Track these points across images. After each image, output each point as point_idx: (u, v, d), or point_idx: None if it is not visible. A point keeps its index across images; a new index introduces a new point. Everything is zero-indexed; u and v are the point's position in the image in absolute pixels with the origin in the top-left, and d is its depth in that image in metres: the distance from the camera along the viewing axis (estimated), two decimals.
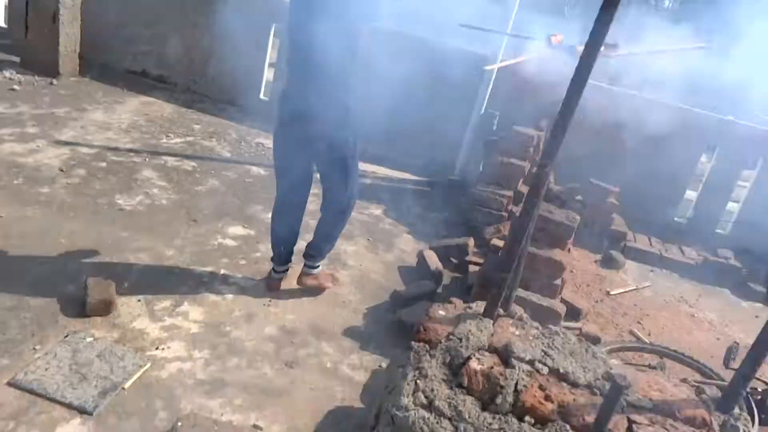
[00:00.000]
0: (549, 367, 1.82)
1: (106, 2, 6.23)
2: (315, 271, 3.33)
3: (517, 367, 1.79)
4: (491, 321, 2.00)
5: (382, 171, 5.44)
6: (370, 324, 3.19)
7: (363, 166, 5.39)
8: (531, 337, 1.95)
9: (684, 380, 2.59)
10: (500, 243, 3.91)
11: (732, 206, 5.57)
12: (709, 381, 3.10)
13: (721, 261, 4.60)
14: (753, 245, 5.27)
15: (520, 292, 2.97)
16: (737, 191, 5.56)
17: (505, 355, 1.85)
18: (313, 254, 3.31)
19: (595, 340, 3.28)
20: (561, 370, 1.81)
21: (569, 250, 4.34)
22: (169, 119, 5.48)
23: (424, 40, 5.54)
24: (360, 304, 3.36)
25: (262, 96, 6.26)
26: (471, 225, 4.33)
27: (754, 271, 4.57)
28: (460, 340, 1.87)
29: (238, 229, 3.86)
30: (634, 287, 4.22)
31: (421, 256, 3.85)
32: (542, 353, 1.86)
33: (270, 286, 3.30)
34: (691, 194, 5.65)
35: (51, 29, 5.57)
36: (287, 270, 3.36)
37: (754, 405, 2.87)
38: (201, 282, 3.23)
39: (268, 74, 6.24)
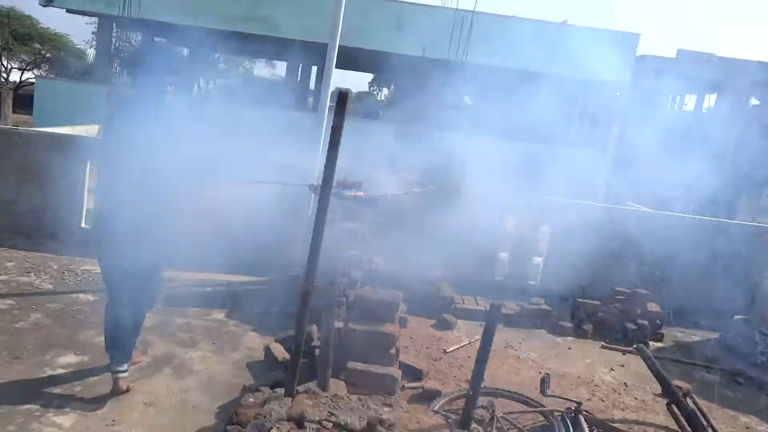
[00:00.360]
0: (333, 422, 2.37)
1: None
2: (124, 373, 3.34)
3: (308, 427, 2.30)
4: (290, 398, 2.53)
5: (222, 277, 5.50)
6: (222, 422, 3.18)
7: (201, 276, 5.44)
8: (321, 404, 2.51)
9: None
10: (340, 324, 4.14)
11: (538, 260, 6.43)
12: (532, 409, 3.53)
13: (535, 307, 5.26)
14: (557, 290, 6.10)
15: (358, 365, 3.22)
16: (539, 247, 6.46)
17: (299, 421, 2.35)
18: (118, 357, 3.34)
19: (436, 394, 3.58)
20: (342, 423, 2.38)
21: (399, 321, 4.71)
22: None
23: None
24: (211, 404, 3.35)
25: (83, 224, 6.10)
26: (312, 314, 4.52)
27: (561, 311, 5.28)
28: (265, 416, 2.20)
29: (69, 358, 3.68)
30: (467, 342, 4.66)
31: (267, 350, 3.95)
32: (328, 413, 2.40)
33: (117, 389, 3.28)
34: (504, 255, 6.43)
35: None
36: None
37: (569, 423, 3.32)
38: (32, 417, 3.02)
39: (87, 203, 6.12)
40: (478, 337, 4.77)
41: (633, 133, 13.27)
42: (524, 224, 6.22)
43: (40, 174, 5.95)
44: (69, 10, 19.46)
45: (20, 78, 33.28)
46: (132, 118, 3.14)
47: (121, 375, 3.32)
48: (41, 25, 31.29)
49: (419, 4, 17.81)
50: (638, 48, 18.95)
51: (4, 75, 31.44)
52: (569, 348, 4.86)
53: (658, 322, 5.31)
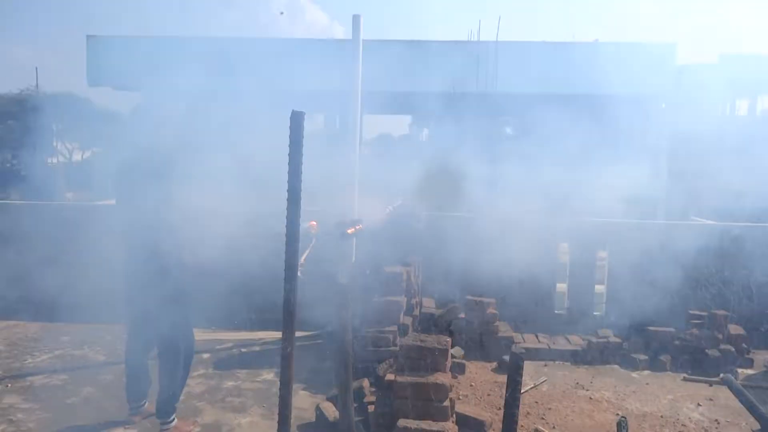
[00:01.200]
0: None
1: None
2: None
3: None
4: None
5: (270, 335, 5.37)
6: None
7: (249, 335, 5.33)
8: None
9: None
10: (392, 377, 3.91)
11: (600, 288, 6.03)
12: None
13: (603, 340, 4.87)
14: (625, 319, 5.68)
15: (410, 423, 2.95)
16: (600, 274, 6.07)
17: None
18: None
19: None
20: None
21: (456, 368, 4.43)
22: (34, 338, 5.17)
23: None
24: None
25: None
26: (364, 366, 4.31)
27: (633, 342, 4.87)
28: None
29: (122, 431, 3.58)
30: (532, 385, 4.32)
31: (318, 410, 3.74)
32: None
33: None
34: (562, 286, 6.07)
35: None
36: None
37: None
38: None
39: None
40: (545, 378, 4.44)
41: (686, 144, 12.68)
42: (580, 251, 5.87)
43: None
44: (116, 88, 20.51)
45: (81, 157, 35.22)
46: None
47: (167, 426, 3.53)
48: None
49: (443, 41, 17.88)
50: (677, 57, 18.37)
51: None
52: (647, 383, 4.44)
53: (744, 345, 4.82)
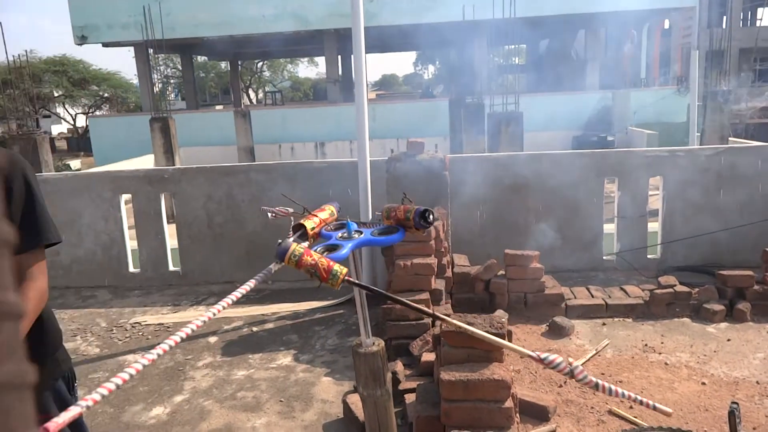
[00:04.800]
0: None
1: None
2: None
3: None
4: None
5: (285, 308, 4.77)
6: None
7: (261, 309, 4.73)
8: None
9: None
10: (431, 356, 3.28)
11: (653, 226, 5.32)
12: None
13: (668, 291, 4.18)
14: (689, 259, 4.99)
15: None
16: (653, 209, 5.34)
17: None
18: None
19: None
20: None
21: (510, 333, 3.78)
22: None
23: None
24: None
25: (131, 269, 5.54)
26: (394, 345, 3.68)
27: (704, 290, 4.18)
28: None
29: None
30: (594, 351, 3.68)
31: (345, 405, 3.14)
32: None
33: None
34: (610, 227, 5.36)
35: None
36: None
37: None
38: None
39: (131, 243, 5.56)
40: (606, 341, 3.78)
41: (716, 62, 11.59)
42: (630, 186, 5.12)
43: (75, 220, 5.45)
44: (105, 44, 19.52)
45: (85, 122, 34.51)
46: None
47: None
48: (94, 67, 32.21)
49: None
50: None
51: (40, 120, 32.47)
52: (728, 340, 3.77)
53: None
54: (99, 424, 3.21)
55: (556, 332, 3.97)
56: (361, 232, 2.28)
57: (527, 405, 2.96)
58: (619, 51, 24.42)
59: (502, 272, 4.33)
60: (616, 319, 4.17)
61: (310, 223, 2.63)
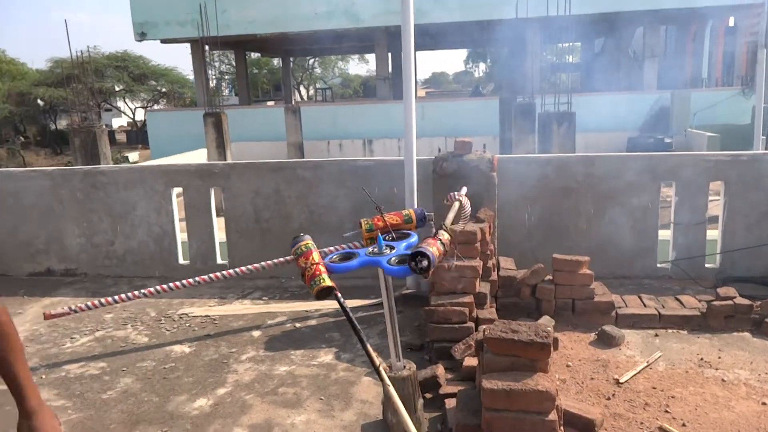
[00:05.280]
0: None
1: None
2: None
3: None
4: None
5: (329, 305, 4.78)
6: None
7: (304, 306, 4.76)
8: None
9: None
10: (473, 361, 3.22)
11: (712, 233, 5.08)
12: None
13: (727, 303, 3.97)
14: (751, 270, 4.74)
15: None
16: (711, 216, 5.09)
17: None
18: None
19: None
20: None
21: (556, 341, 3.68)
22: (77, 317, 4.76)
23: None
24: None
25: (181, 260, 5.67)
26: (436, 348, 3.63)
27: (766, 303, 3.95)
28: None
29: None
30: (645, 363, 3.53)
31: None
32: None
33: None
34: (665, 234, 5.15)
35: None
36: None
37: None
38: None
39: (182, 236, 5.69)
40: (659, 353, 3.63)
41: None
42: (688, 191, 4.90)
43: (129, 211, 5.62)
44: (163, 41, 20.13)
45: (144, 116, 35.81)
46: None
47: None
48: (153, 63, 33.33)
49: None
50: None
51: (104, 113, 33.66)
52: None
53: None
54: (144, 413, 3.29)
55: (605, 341, 3.83)
56: (393, 247, 2.30)
57: (572, 417, 2.86)
58: (679, 49, 23.52)
59: (549, 277, 4.21)
60: (669, 331, 3.99)
61: (366, 224, 2.63)
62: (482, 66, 55.13)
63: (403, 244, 2.26)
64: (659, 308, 4.11)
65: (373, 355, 2.37)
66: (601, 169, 4.96)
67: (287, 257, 2.73)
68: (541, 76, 17.09)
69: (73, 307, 3.60)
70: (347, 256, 2.35)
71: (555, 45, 20.19)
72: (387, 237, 2.53)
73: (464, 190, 4.01)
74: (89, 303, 3.64)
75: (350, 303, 4.72)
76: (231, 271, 3.85)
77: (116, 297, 3.75)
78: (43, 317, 3.55)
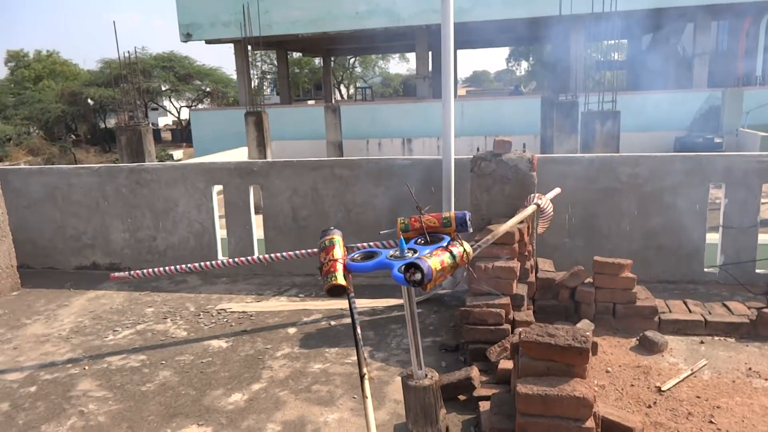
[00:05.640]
0: None
1: (38, 209, 5.96)
2: None
3: None
4: None
5: (363, 303, 4.78)
6: None
7: (339, 304, 4.77)
8: None
9: None
10: (509, 364, 3.16)
11: (764, 237, 4.86)
12: None
13: None
14: None
15: None
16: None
17: None
18: None
19: None
20: None
21: (595, 346, 3.58)
22: (119, 310, 4.90)
23: None
24: None
25: (220, 257, 5.76)
26: (471, 349, 3.58)
27: None
28: None
29: (191, 430, 3.12)
30: (689, 371, 3.40)
31: None
32: None
33: None
34: (713, 237, 4.96)
35: None
36: None
37: None
38: None
39: (221, 233, 5.79)
40: (704, 361, 3.49)
41: None
42: (739, 193, 4.70)
43: (171, 208, 5.74)
44: (207, 41, 20.55)
45: (188, 114, 36.61)
46: None
47: None
48: (197, 63, 34.11)
49: None
50: None
51: (147, 112, 34.63)
52: None
53: None
54: (181, 405, 3.35)
55: (647, 347, 3.71)
56: (416, 251, 2.22)
57: (611, 425, 2.77)
58: (732, 46, 22.66)
59: (589, 280, 4.10)
60: (716, 338, 3.84)
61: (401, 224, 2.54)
62: (524, 64, 54.37)
63: (426, 250, 2.19)
64: (705, 314, 3.96)
65: (363, 362, 2.33)
66: (647, 169, 4.81)
67: (311, 250, 2.69)
68: (586, 73, 16.72)
69: (132, 273, 3.71)
70: (369, 255, 2.29)
71: (600, 42, 19.73)
72: (419, 240, 2.46)
73: (555, 192, 3.89)
74: (145, 271, 3.70)
75: (385, 302, 4.72)
76: (263, 256, 3.87)
77: (167, 268, 3.77)
78: (109, 278, 3.83)
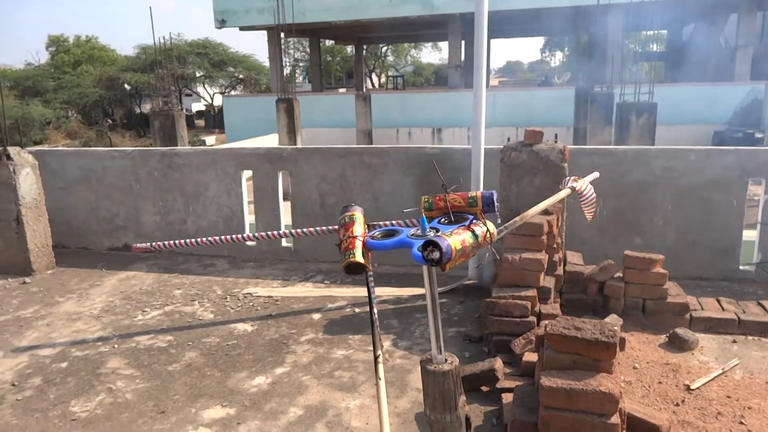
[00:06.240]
0: None
1: (73, 191, 6.10)
2: None
3: None
4: None
5: (388, 292, 4.78)
6: None
7: (364, 291, 4.76)
8: None
9: None
10: (533, 357, 3.12)
11: None
12: None
13: None
14: None
15: None
16: None
17: None
18: None
19: None
20: None
21: (623, 342, 3.51)
22: (148, 291, 4.99)
23: None
24: None
25: (248, 242, 5.82)
26: (496, 340, 3.55)
27: None
28: None
29: (215, 411, 3.17)
30: (720, 370, 3.31)
31: None
32: None
33: None
34: (750, 234, 4.81)
35: (17, 231, 5.31)
36: None
37: None
38: None
39: (249, 218, 5.84)
40: (736, 361, 3.39)
41: None
42: None
43: (202, 192, 5.82)
44: (241, 28, 20.70)
45: (221, 101, 36.94)
46: None
47: None
48: (231, 50, 34.41)
49: None
50: None
51: (177, 98, 35.02)
52: None
53: None
54: (206, 386, 3.41)
55: (677, 345, 3.62)
56: (437, 230, 2.11)
57: (636, 422, 2.71)
58: None
59: (619, 274, 4.02)
60: (749, 338, 3.73)
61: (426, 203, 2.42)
62: (559, 55, 53.45)
63: (449, 230, 2.09)
64: (739, 313, 3.84)
65: (378, 343, 2.27)
66: (683, 164, 4.68)
67: (332, 226, 2.58)
68: (622, 65, 16.35)
69: (153, 245, 3.61)
70: (390, 233, 2.20)
71: (639, 33, 19.22)
72: (443, 219, 2.39)
73: (593, 175, 3.68)
74: (166, 243, 3.57)
75: (410, 291, 4.71)
76: (283, 231, 3.83)
77: (188, 241, 3.54)
78: (132, 249, 3.78)
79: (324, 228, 3.63)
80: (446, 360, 1.95)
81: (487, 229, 2.05)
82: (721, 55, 20.98)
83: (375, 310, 2.45)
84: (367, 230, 2.34)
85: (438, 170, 2.79)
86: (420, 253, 1.87)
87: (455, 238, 1.89)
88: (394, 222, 2.77)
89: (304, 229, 3.61)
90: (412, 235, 2.16)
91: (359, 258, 2.16)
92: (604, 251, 4.67)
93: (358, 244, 2.20)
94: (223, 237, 3.63)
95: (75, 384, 3.49)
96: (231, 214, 5.78)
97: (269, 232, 3.63)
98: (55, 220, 5.80)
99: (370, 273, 2.42)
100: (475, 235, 2.00)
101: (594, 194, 3.61)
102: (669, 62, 24.92)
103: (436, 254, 1.79)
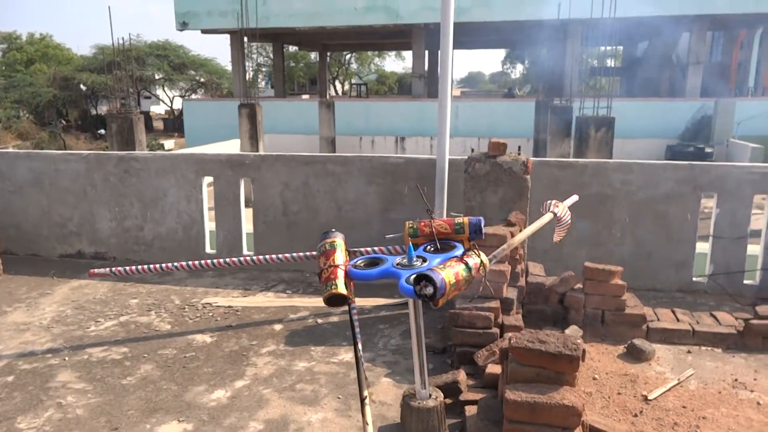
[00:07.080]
0: None
1: (24, 194, 5.86)
2: None
3: None
4: None
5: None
6: None
7: None
8: None
9: None
10: (496, 369, 3.13)
11: (753, 248, 4.87)
12: None
13: (767, 322, 3.79)
14: None
15: None
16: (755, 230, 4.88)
17: None
18: None
19: None
20: None
21: (584, 353, 3.55)
22: (102, 300, 4.82)
23: None
24: None
25: (208, 249, 5.69)
26: (459, 352, 3.55)
27: None
28: None
29: (172, 427, 3.06)
30: (676, 381, 3.39)
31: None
32: None
33: None
34: (703, 246, 4.96)
35: None
36: None
37: None
38: None
39: (210, 225, 5.72)
40: (691, 371, 3.48)
41: None
42: (730, 203, 4.70)
43: (160, 198, 5.66)
44: (203, 31, 20.38)
45: (181, 104, 36.17)
46: None
47: None
48: (192, 53, 33.82)
49: None
50: None
51: (134, 101, 34.28)
52: None
53: None
54: (162, 400, 3.29)
55: (635, 356, 3.69)
56: (425, 260, 2.01)
57: None
58: (725, 56, 22.80)
59: (579, 286, 4.08)
60: (703, 348, 3.83)
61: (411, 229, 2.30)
62: (519, 67, 54.50)
63: (437, 259, 1.98)
64: (693, 324, 3.95)
65: (364, 383, 2.17)
66: (640, 177, 4.80)
67: (310, 252, 2.45)
68: (581, 79, 16.77)
69: (114, 270, 3.43)
70: (374, 262, 2.09)
71: (596, 48, 19.77)
72: (429, 247, 2.26)
73: (572, 199, 3.69)
74: (128, 269, 3.43)
75: (373, 301, 4.68)
76: (256, 258, 3.75)
77: (152, 266, 3.45)
78: (89, 274, 3.48)
79: (301, 254, 3.50)
80: (430, 395, 1.87)
81: (481, 261, 1.96)
82: (673, 72, 21.75)
83: (360, 346, 2.32)
84: (348, 258, 2.21)
85: (423, 195, 2.59)
86: (410, 287, 1.76)
87: (449, 271, 1.78)
88: (376, 249, 2.64)
89: (280, 255, 3.49)
90: (397, 264, 2.04)
91: (342, 289, 2.04)
92: (565, 263, 4.75)
93: (340, 273, 2.05)
94: (190, 263, 3.42)
95: (21, 399, 3.33)
96: (191, 221, 5.65)
97: (242, 258, 3.49)
98: (3, 225, 5.57)
99: (354, 305, 2.27)
100: (468, 268, 1.90)
101: (570, 220, 3.66)
102: (625, 78, 25.70)
103: (430, 289, 1.69)
